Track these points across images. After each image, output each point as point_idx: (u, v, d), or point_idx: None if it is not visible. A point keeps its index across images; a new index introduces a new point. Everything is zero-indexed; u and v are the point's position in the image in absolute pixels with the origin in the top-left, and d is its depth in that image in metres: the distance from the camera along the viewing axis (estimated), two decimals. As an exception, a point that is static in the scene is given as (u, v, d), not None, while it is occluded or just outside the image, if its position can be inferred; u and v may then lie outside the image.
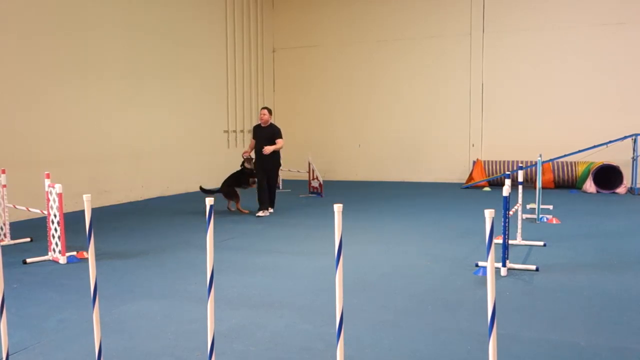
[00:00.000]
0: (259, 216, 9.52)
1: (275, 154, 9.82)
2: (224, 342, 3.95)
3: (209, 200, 3.04)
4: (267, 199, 9.76)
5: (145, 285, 5.47)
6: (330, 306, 4.66)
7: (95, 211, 10.16)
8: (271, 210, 9.88)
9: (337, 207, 2.73)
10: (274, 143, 9.65)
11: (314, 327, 4.25)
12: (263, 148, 9.53)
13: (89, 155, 10.85)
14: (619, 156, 13.00)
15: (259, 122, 9.83)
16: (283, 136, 9.87)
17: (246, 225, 8.77)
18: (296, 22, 16.83)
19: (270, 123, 9.76)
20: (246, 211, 9.96)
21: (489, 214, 2.48)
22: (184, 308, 4.73)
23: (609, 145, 12.78)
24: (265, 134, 9.69)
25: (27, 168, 9.42)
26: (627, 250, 6.76)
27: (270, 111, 9.80)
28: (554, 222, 8.72)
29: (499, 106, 14.83)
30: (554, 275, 5.62)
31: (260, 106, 16.57)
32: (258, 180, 9.79)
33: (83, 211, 9.40)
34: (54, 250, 6.50)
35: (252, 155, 9.94)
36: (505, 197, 5.54)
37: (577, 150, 12.94)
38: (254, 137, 9.88)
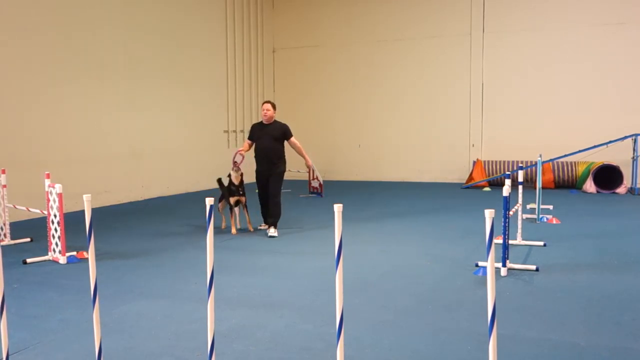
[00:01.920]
0: (271, 236, 7.82)
1: (282, 159, 8.17)
2: (224, 342, 3.95)
3: (209, 200, 3.04)
4: (271, 213, 8.06)
5: (145, 285, 5.47)
6: (330, 306, 4.66)
7: (95, 211, 10.16)
8: (275, 233, 7.90)
9: (337, 207, 2.73)
10: (282, 143, 8.15)
11: (314, 327, 4.25)
12: (269, 147, 7.96)
13: (89, 155, 10.85)
14: (619, 156, 13.00)
15: (261, 120, 8.24)
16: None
17: (246, 225, 8.76)
18: (296, 22, 16.83)
19: (275, 120, 8.23)
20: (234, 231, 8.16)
21: (489, 214, 2.48)
22: (184, 308, 4.73)
23: (609, 145, 12.78)
24: (272, 132, 8.05)
25: (27, 168, 9.42)
26: (627, 250, 6.76)
27: (274, 106, 8.22)
28: (554, 222, 8.72)
29: (499, 106, 14.82)
30: (554, 275, 5.62)
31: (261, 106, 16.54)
32: (260, 192, 8.17)
33: (83, 211, 9.40)
34: (54, 250, 6.50)
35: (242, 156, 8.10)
36: (505, 197, 5.54)
37: (577, 150, 12.94)
38: (253, 137, 8.21)
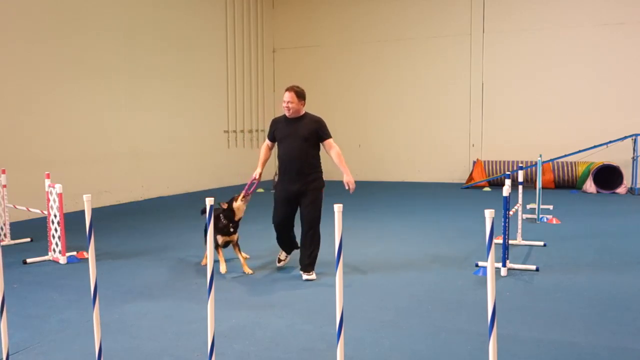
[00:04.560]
0: (308, 279, 5.55)
1: (318, 169, 5.83)
2: (224, 342, 3.95)
3: (209, 200, 3.04)
4: (292, 242, 5.97)
5: (145, 285, 5.47)
6: (330, 306, 4.66)
7: (95, 211, 10.16)
8: (313, 276, 5.57)
9: (337, 207, 2.73)
10: (316, 145, 5.71)
11: (314, 327, 4.25)
12: (296, 152, 5.57)
13: (89, 155, 10.85)
14: (619, 156, 12.99)
15: (283, 114, 5.73)
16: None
17: (245, 226, 8.75)
18: (296, 22, 16.82)
19: (306, 112, 5.73)
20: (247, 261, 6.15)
21: (489, 214, 2.48)
22: (185, 308, 4.73)
23: (609, 145, 12.78)
24: (300, 129, 5.59)
25: (27, 168, 9.42)
26: (627, 250, 6.76)
27: (299, 94, 5.56)
28: (554, 222, 8.72)
29: (499, 106, 14.81)
30: (554, 275, 5.62)
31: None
32: (277, 218, 5.76)
33: (83, 211, 9.39)
34: (54, 250, 6.50)
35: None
36: (505, 197, 5.54)
37: (577, 150, 12.94)
38: (274, 137, 5.78)
